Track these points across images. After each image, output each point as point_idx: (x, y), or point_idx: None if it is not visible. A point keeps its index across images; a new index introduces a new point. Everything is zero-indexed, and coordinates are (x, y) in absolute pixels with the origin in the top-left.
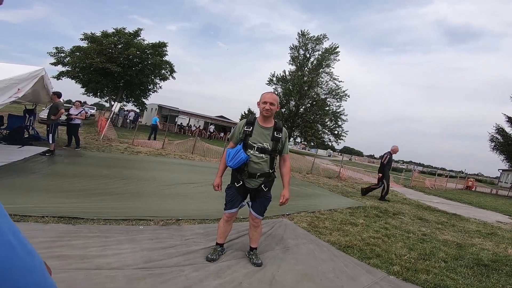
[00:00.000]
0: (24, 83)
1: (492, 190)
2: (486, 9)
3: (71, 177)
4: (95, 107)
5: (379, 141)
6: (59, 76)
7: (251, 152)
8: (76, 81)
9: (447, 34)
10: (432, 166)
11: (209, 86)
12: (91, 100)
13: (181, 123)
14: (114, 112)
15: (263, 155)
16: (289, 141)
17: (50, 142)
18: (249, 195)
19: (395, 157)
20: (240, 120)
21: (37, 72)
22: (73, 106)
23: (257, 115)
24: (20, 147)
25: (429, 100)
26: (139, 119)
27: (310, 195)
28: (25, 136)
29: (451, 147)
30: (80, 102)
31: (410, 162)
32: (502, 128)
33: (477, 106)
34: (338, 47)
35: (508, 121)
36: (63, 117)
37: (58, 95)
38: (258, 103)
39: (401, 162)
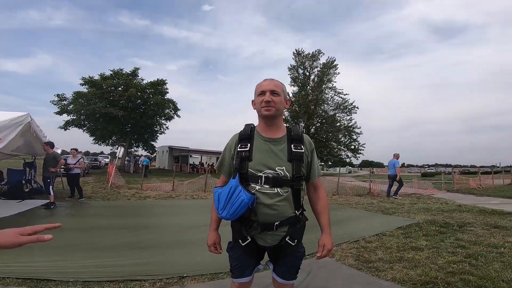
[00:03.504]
0: (5, 131)
1: None
2: (461, 1)
3: (62, 230)
4: (109, 156)
5: (398, 149)
6: (66, 126)
7: (257, 187)
8: (84, 130)
9: (434, 32)
10: (460, 165)
11: (218, 121)
12: (107, 149)
13: (193, 162)
14: (118, 157)
15: (278, 189)
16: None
17: (50, 194)
18: (267, 252)
19: (419, 162)
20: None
21: (20, 118)
22: (70, 155)
23: (256, 123)
24: (19, 201)
25: (439, 99)
26: (150, 163)
27: (346, 219)
28: (26, 190)
29: (475, 142)
30: (76, 150)
31: (435, 165)
32: None
33: (487, 97)
34: (335, 60)
35: None
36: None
37: (51, 145)
38: (253, 102)
39: (427, 166)
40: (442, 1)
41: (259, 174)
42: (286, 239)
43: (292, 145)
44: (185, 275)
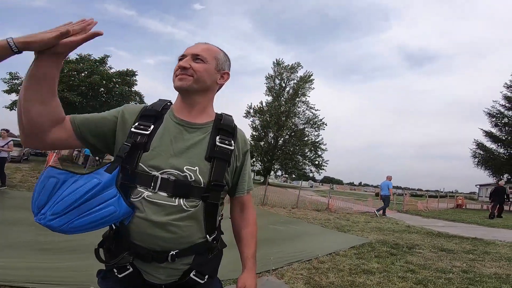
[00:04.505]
0: None
1: (483, 206)
2: (436, 30)
3: None
4: None
5: (357, 168)
6: (12, 106)
7: (146, 194)
8: None
9: (407, 59)
10: (409, 188)
11: None
12: None
13: None
14: None
15: (182, 200)
16: (265, 175)
17: None
18: None
19: (374, 182)
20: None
21: None
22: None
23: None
24: None
25: (399, 124)
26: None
27: (301, 234)
28: None
29: (424, 167)
30: (7, 131)
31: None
32: (481, 143)
33: (439, 126)
34: (312, 75)
35: (486, 136)
36: None
37: None
38: None
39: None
40: (419, 29)
41: (154, 173)
42: (191, 274)
43: (217, 137)
44: (92, 287)
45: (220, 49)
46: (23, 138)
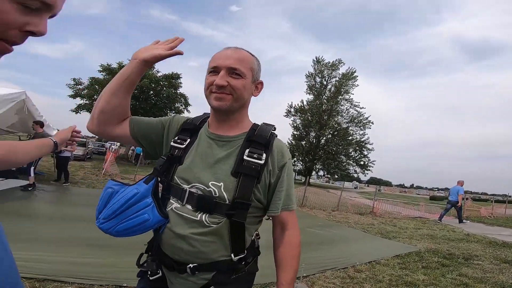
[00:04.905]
0: None
1: None
2: (500, 21)
3: (12, 217)
4: (116, 144)
5: (409, 169)
6: (77, 110)
7: (174, 206)
8: None
9: (466, 52)
10: (471, 191)
11: None
12: None
13: None
14: (116, 144)
15: (205, 216)
16: (307, 175)
17: (30, 175)
18: None
19: (429, 184)
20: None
21: (14, 95)
22: None
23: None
24: (2, 180)
25: (457, 121)
26: None
27: (339, 240)
28: (13, 169)
29: (489, 169)
30: None
31: (445, 189)
32: None
33: (506, 125)
34: (355, 71)
35: None
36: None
37: (41, 124)
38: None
39: (436, 189)
40: (479, 20)
41: (184, 186)
42: None
43: (247, 151)
44: (124, 285)
45: (252, 55)
46: (90, 123)
